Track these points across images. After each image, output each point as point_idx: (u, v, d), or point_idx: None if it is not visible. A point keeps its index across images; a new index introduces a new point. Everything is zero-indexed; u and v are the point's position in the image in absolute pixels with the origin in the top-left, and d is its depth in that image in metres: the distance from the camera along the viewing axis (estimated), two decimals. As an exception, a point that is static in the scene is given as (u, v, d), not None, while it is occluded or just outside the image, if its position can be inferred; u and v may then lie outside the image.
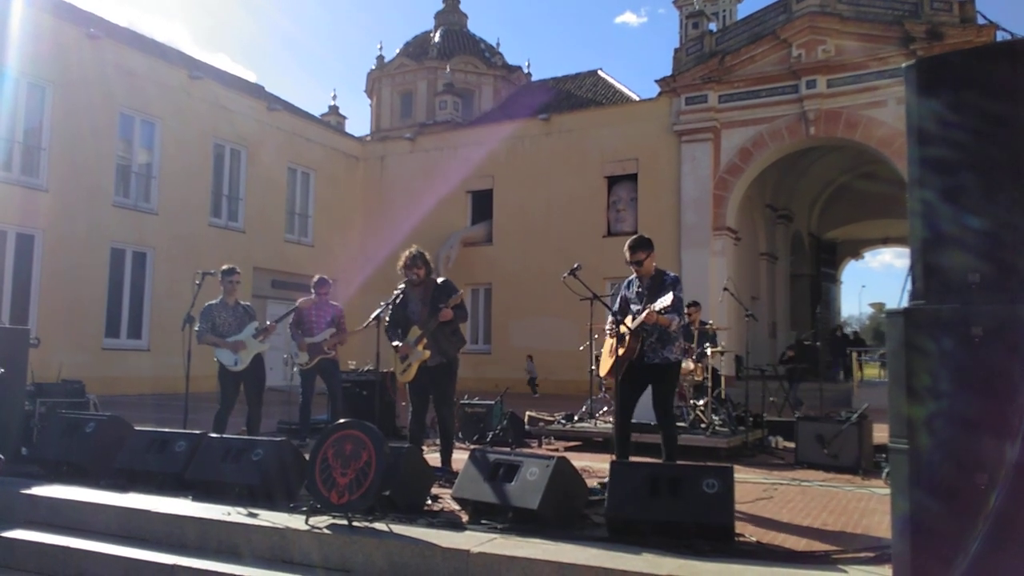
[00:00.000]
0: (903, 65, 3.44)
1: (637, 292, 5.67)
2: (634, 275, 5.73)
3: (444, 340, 6.08)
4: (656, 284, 5.54)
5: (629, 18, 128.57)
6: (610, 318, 5.75)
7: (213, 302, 7.30)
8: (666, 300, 5.20)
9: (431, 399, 6.19)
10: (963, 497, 2.95)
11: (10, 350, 6.37)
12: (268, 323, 7.42)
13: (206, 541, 4.46)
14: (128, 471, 5.51)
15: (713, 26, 21.88)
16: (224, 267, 7.37)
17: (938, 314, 3.13)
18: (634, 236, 5.72)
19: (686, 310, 9.74)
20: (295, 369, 8.31)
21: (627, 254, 5.58)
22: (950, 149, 3.21)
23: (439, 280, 6.22)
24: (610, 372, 5.67)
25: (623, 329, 5.50)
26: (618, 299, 5.83)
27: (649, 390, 5.65)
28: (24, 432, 6.65)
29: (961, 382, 3.04)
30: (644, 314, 5.29)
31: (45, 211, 15.52)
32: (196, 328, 6.98)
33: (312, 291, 8.43)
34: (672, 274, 5.64)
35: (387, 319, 6.23)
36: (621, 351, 5.48)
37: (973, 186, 3.16)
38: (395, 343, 6.09)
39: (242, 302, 7.50)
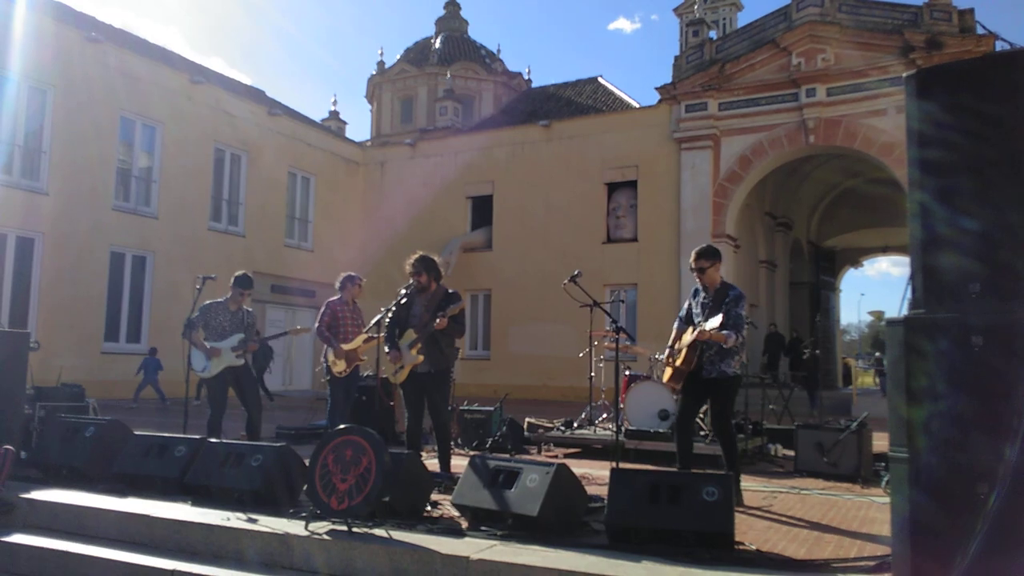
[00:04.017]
0: (903, 74, 3.46)
1: (702, 303, 5.72)
2: (700, 284, 5.75)
3: (439, 349, 6.11)
4: (719, 298, 5.58)
5: (623, 24, 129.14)
6: (676, 323, 5.86)
7: (215, 301, 7.24)
8: (714, 321, 5.31)
9: (426, 405, 6.21)
10: (964, 504, 2.95)
11: (10, 353, 6.36)
12: (250, 342, 7.17)
13: (206, 546, 4.45)
14: (127, 475, 5.50)
15: (713, 34, 21.92)
16: (240, 274, 7.23)
17: (938, 322, 3.13)
18: (703, 245, 5.82)
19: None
20: (327, 377, 7.73)
21: (691, 261, 5.68)
22: (950, 153, 3.22)
23: (450, 291, 6.25)
24: (671, 380, 5.79)
25: (677, 344, 5.65)
26: (685, 306, 5.89)
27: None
28: (24, 436, 6.64)
29: (961, 390, 3.04)
30: (695, 333, 5.43)
31: (45, 214, 15.53)
32: (192, 316, 6.93)
33: (341, 289, 7.82)
34: (736, 290, 5.62)
35: (387, 320, 6.26)
36: (679, 363, 5.59)
37: (973, 190, 3.17)
38: (387, 349, 6.13)
39: (247, 308, 7.39)
